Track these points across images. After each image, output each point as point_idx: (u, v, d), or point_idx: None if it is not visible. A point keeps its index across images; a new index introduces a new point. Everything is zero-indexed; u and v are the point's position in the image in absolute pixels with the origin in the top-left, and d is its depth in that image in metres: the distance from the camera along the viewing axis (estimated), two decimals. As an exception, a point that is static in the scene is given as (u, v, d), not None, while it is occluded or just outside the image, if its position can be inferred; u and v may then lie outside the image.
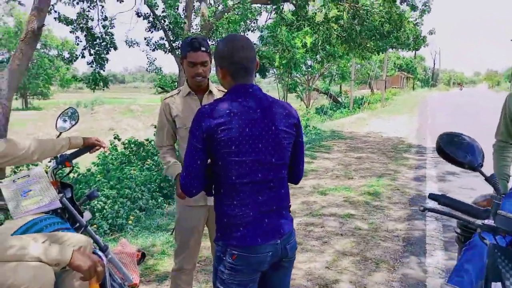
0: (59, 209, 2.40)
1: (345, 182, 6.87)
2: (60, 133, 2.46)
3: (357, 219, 4.99)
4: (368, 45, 10.45)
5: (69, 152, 2.39)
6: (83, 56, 8.94)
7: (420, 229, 4.67)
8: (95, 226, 4.79)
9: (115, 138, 7.69)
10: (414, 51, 10.49)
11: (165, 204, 5.98)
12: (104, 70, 9.07)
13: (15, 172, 5.33)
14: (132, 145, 7.85)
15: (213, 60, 2.20)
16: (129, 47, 9.17)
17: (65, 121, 2.53)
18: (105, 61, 8.95)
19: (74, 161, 2.56)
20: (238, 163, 1.59)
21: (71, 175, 6.12)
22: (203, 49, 2.39)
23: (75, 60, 8.94)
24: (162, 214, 5.50)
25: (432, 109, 23.65)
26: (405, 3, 9.38)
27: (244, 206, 1.63)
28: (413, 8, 9.40)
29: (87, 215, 2.69)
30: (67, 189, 2.55)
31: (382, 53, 11.61)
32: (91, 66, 9.01)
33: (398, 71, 48.50)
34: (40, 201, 2.25)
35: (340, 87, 34.04)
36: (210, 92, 2.57)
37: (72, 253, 1.63)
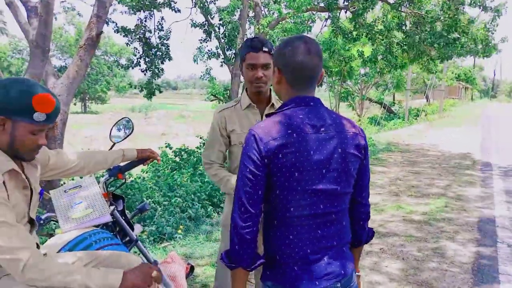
0: (110, 222, 2.31)
1: (403, 199, 6.45)
2: (114, 143, 2.37)
3: (419, 241, 4.61)
4: (432, 53, 9.87)
5: (122, 163, 2.29)
6: (138, 64, 9.12)
7: (491, 256, 4.22)
8: (145, 233, 4.75)
9: (166, 146, 7.74)
10: (483, 57, 9.69)
11: (214, 213, 5.87)
12: (157, 79, 9.19)
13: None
14: (183, 153, 7.86)
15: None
16: (196, 63, 9.21)
17: (119, 130, 2.44)
18: (160, 71, 9.06)
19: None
20: (300, 193, 1.35)
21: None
22: (265, 49, 2.06)
23: (132, 67, 9.13)
24: (211, 224, 5.39)
25: (495, 122, 22.23)
26: (477, 6, 8.75)
27: (301, 242, 1.38)
28: (485, 9, 8.75)
29: (138, 228, 2.59)
30: (119, 201, 2.46)
31: (448, 60, 10.91)
32: (145, 74, 9.19)
33: (456, 81, 46.36)
34: (91, 214, 2.16)
35: (394, 96, 32.95)
36: (273, 105, 2.26)
37: (121, 279, 1.50)
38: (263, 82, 2.12)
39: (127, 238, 2.46)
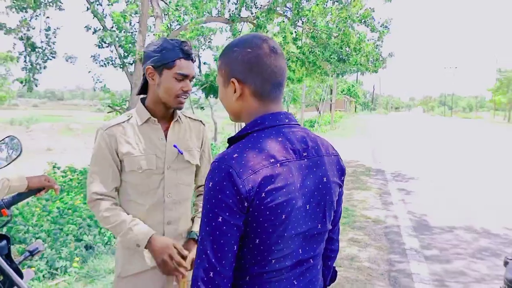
0: (-10, 271, 1.78)
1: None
2: (-6, 170, 1.83)
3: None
4: (327, 68, 10.32)
5: (6, 196, 1.77)
6: (17, 60, 8.21)
7: (405, 268, 4.32)
8: (33, 269, 4.03)
9: (53, 167, 6.86)
10: (372, 72, 10.38)
11: (114, 239, 5.26)
12: (38, 73, 8.30)
13: None
14: (74, 173, 7.04)
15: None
16: (71, 62, 8.38)
17: (2, 153, 1.90)
18: (42, 68, 8.23)
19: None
20: (285, 240, 1.04)
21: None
22: (194, 58, 1.75)
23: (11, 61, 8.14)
24: (112, 251, 4.80)
25: (380, 131, 24.40)
26: (365, 24, 9.35)
27: None
28: (373, 29, 9.38)
29: (28, 274, 2.06)
30: (2, 243, 1.92)
31: (343, 76, 11.52)
32: (26, 72, 8.21)
33: (342, 94, 50.13)
34: (-38, 266, 1.62)
35: (288, 109, 34.33)
36: (178, 119, 1.84)
37: None
38: (187, 96, 1.76)
39: (14, 289, 1.93)
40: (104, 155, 1.72)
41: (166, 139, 1.79)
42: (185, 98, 1.75)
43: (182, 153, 1.79)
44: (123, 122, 1.76)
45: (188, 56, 1.71)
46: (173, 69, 1.68)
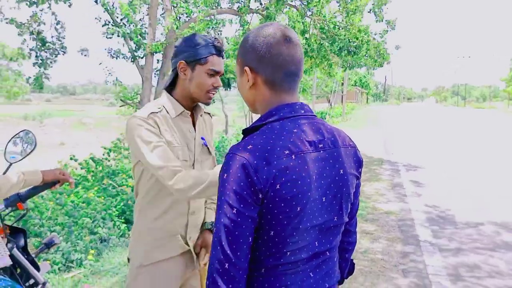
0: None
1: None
2: (10, 164, 1.85)
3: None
4: (335, 61, 10.23)
5: (22, 190, 1.79)
6: (29, 57, 8.30)
7: (418, 260, 4.28)
8: (49, 262, 4.08)
9: (71, 159, 6.93)
10: (377, 68, 10.27)
11: (129, 232, 5.31)
12: (48, 68, 8.42)
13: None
14: (91, 162, 7.08)
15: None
16: (83, 54, 8.50)
17: (17, 147, 1.92)
18: (52, 62, 8.37)
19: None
20: (300, 232, 1.03)
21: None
22: (223, 55, 1.77)
23: (22, 58, 8.25)
24: (127, 244, 4.84)
25: (393, 123, 24.20)
26: (374, 14, 9.28)
27: None
28: (381, 19, 9.29)
29: (45, 267, 2.10)
30: (19, 236, 1.95)
31: (351, 69, 11.40)
32: (38, 68, 8.33)
33: (353, 86, 49.80)
34: (-20, 259, 1.64)
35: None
36: (204, 112, 1.91)
37: None
38: (215, 92, 1.80)
39: (32, 281, 1.97)
40: (157, 136, 1.63)
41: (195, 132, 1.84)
42: (213, 94, 1.79)
43: (207, 146, 1.85)
44: (157, 112, 1.71)
45: (219, 52, 1.74)
46: (206, 65, 1.71)
